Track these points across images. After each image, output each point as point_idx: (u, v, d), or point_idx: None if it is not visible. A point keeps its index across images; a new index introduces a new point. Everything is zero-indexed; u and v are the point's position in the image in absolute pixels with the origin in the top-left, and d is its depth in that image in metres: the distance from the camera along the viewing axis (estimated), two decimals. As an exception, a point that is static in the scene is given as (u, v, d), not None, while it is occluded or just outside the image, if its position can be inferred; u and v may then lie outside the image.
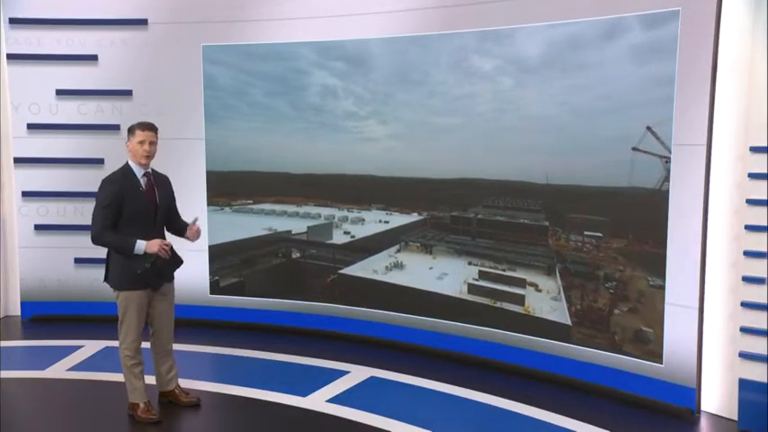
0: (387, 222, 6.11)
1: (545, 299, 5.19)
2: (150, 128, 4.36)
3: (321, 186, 6.28)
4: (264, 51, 6.12)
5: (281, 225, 6.50)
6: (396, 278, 6.02)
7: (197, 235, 4.52)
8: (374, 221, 6.16)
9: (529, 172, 5.22)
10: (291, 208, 6.48)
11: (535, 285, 5.26)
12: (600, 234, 4.89)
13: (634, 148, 4.57)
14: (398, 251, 6.04)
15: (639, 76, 4.57)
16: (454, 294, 5.66)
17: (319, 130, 6.11)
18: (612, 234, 4.82)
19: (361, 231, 6.22)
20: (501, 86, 5.26)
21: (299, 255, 6.44)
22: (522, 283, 5.33)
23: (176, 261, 4.45)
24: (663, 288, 4.51)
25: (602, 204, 4.86)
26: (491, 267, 5.51)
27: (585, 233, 4.98)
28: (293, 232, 6.50)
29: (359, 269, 6.18)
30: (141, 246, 4.22)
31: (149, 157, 4.34)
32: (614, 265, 4.81)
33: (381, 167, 5.97)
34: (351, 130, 6.02)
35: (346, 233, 6.29)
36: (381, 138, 5.94)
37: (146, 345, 4.55)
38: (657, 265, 4.52)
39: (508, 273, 5.41)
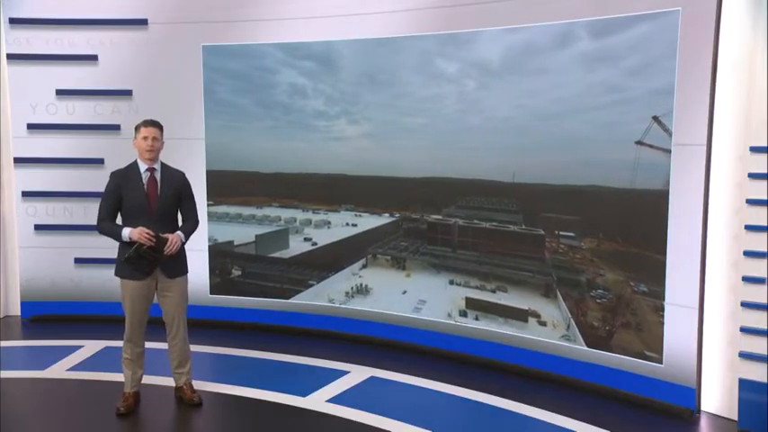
0: (355, 225, 5.63)
1: (554, 337, 4.83)
2: (153, 124, 4.49)
3: (290, 185, 6.04)
4: (241, 50, 6.05)
5: (230, 233, 5.88)
6: (358, 308, 5.38)
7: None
8: (341, 224, 5.68)
9: (495, 170, 5.20)
10: (248, 210, 5.96)
11: (537, 316, 4.89)
12: (572, 234, 4.85)
13: (638, 142, 4.54)
14: (364, 267, 5.44)
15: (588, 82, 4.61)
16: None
17: (290, 129, 5.94)
18: (583, 234, 4.82)
19: (324, 237, 5.72)
20: (466, 88, 5.26)
21: (239, 273, 5.74)
22: (523, 315, 4.92)
23: (161, 246, 4.28)
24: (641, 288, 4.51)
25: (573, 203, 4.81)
26: (478, 287, 5.13)
27: (561, 233, 4.92)
28: (236, 243, 5.79)
29: (313, 296, 5.52)
30: (126, 232, 4.32)
31: (152, 151, 4.43)
32: (593, 268, 4.75)
33: (352, 167, 5.84)
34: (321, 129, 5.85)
35: (307, 239, 5.77)
36: (352, 137, 5.82)
37: (151, 345, 4.58)
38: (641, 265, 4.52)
39: (501, 300, 4.94)
